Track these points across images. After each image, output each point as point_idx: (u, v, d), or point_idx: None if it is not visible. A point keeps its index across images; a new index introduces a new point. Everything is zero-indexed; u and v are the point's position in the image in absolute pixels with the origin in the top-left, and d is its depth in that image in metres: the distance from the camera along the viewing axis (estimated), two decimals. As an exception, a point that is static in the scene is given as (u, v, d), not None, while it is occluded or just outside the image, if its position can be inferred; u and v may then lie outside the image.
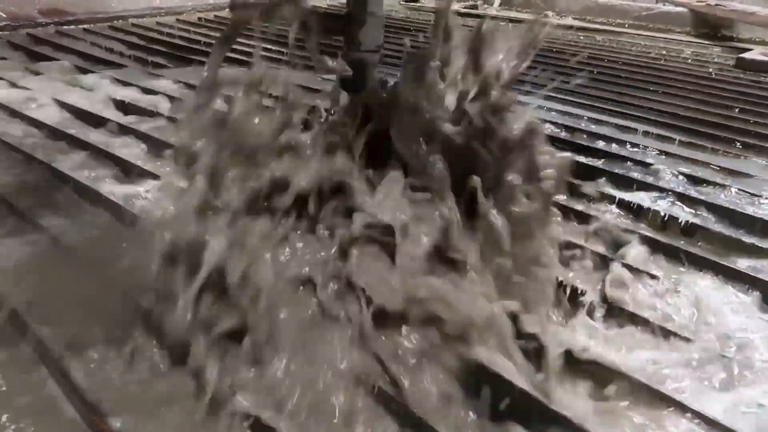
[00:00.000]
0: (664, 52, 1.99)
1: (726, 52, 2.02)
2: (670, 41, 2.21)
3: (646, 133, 1.21)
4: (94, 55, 1.61)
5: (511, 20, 2.52)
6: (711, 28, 2.29)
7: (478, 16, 2.61)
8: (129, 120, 1.13)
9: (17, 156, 0.96)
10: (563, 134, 1.20)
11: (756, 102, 1.44)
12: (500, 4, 2.76)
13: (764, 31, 2.07)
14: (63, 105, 1.19)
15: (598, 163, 1.05)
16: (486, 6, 2.77)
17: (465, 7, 2.75)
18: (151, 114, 1.15)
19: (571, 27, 2.41)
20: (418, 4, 2.83)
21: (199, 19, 2.25)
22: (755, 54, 1.79)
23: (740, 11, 2.04)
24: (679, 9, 2.36)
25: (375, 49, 0.59)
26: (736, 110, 1.38)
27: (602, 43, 2.13)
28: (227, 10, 0.61)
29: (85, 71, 1.46)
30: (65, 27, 1.99)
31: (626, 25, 2.49)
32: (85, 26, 2.01)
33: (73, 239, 0.72)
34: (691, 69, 1.76)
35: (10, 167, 0.93)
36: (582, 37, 2.21)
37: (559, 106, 1.35)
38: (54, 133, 1.06)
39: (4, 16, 1.91)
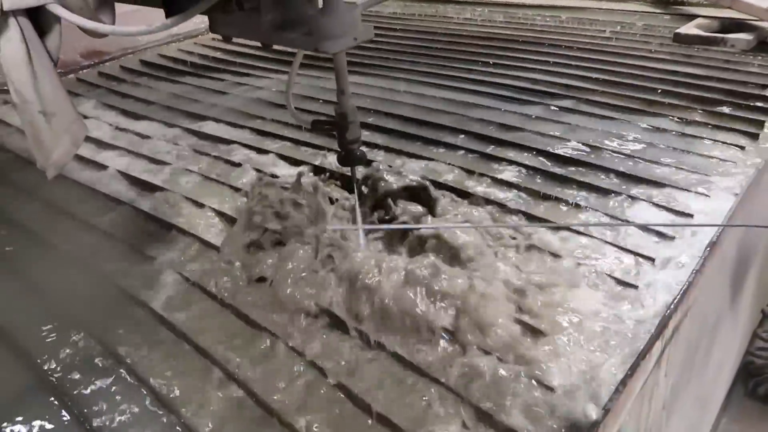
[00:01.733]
0: (618, 28, 2.29)
1: (674, 22, 2.30)
2: (626, 13, 2.49)
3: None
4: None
5: (488, 3, 2.82)
6: (664, -6, 2.56)
7: (457, 1, 2.90)
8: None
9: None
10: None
11: (677, 82, 1.75)
12: (477, -13, 3.02)
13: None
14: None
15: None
16: (464, -10, 3.03)
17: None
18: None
19: (539, 6, 2.69)
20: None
21: (213, 39, 2.58)
22: (690, 28, 2.08)
23: (684, -17, 2.32)
24: (635, -21, 2.62)
25: (355, 139, 0.96)
26: (659, 92, 1.71)
27: (565, 24, 2.42)
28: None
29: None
30: (103, 64, 2.35)
31: (591, -3, 2.76)
32: (121, 63, 2.37)
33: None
34: (635, 47, 2.06)
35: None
36: (548, 19, 2.50)
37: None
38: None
39: (55, 64, 2.27)
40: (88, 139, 1.57)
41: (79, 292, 1.03)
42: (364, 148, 1.02)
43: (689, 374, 1.10)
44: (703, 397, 1.42)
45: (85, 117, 1.78)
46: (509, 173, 1.32)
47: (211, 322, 0.93)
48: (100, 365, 0.86)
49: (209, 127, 1.67)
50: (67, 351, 0.89)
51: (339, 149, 1.00)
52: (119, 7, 0.96)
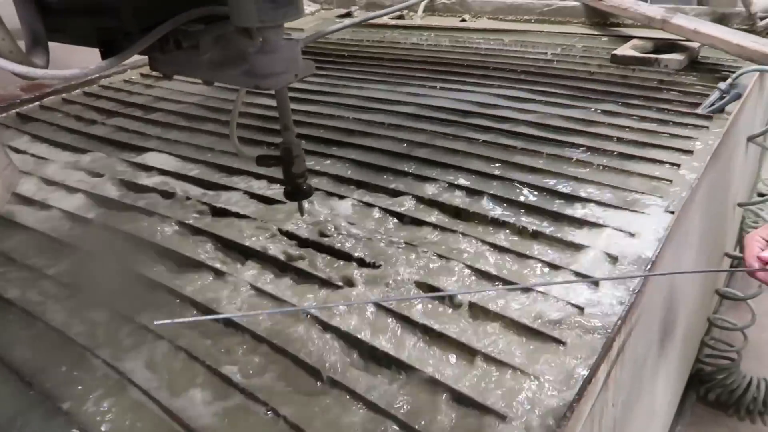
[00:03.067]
0: (559, 50, 2.37)
1: (611, 43, 2.40)
2: (566, 36, 2.58)
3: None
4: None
5: (434, 28, 2.88)
6: (601, 16, 2.67)
7: (405, 26, 2.96)
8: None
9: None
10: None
11: (615, 101, 1.82)
12: (423, 11, 3.09)
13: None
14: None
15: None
16: (412, 15, 3.10)
17: (392, 18, 3.08)
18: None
19: (484, 29, 2.76)
20: (349, 19, 3.14)
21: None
22: (626, 49, 2.17)
23: (616, 5, 2.42)
24: (574, 3, 2.73)
25: (301, 173, 0.97)
26: (598, 111, 1.77)
27: (509, 47, 2.49)
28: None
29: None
30: (46, 98, 2.29)
31: (532, 20, 2.86)
32: (63, 95, 2.31)
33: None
34: (576, 69, 2.14)
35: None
36: (492, 43, 2.56)
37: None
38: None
39: (-8, 99, 2.20)
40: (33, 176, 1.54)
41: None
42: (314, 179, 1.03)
43: (639, 389, 1.12)
44: (655, 410, 1.45)
45: (25, 152, 1.74)
46: (450, 195, 1.34)
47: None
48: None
49: (152, 159, 1.64)
50: None
51: (285, 184, 1.00)
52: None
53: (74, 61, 0.83)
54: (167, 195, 1.43)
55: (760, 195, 2.57)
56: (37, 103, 2.24)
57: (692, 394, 2.13)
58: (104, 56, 0.88)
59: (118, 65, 0.86)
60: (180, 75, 0.96)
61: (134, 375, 0.88)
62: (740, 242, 2.55)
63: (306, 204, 1.11)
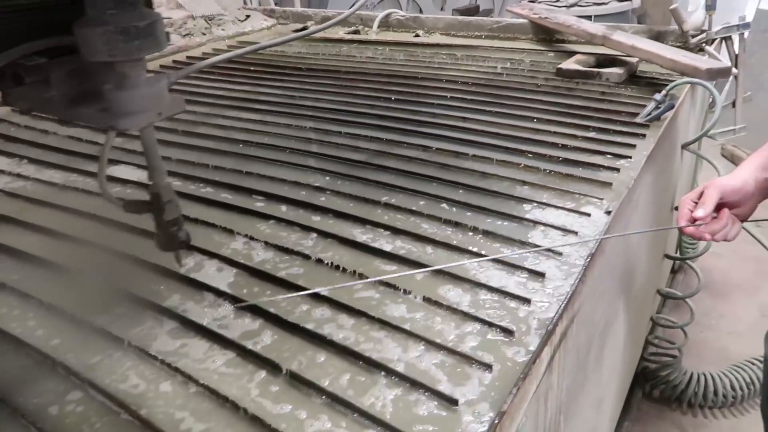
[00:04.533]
0: (508, 65, 2.47)
1: (557, 58, 2.52)
2: (515, 51, 2.70)
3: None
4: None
5: (389, 43, 2.96)
6: (547, 33, 2.80)
7: (360, 41, 3.03)
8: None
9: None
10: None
11: (560, 112, 1.92)
12: (378, 27, 3.17)
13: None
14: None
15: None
16: (367, 30, 3.17)
17: (348, 33, 3.15)
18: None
19: (437, 45, 2.85)
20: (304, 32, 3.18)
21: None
22: (570, 63, 2.29)
23: (561, 23, 2.55)
24: (521, 20, 2.85)
25: (174, 221, 0.90)
26: (534, 120, 1.86)
27: (461, 61, 2.59)
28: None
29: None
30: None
31: (483, 36, 2.97)
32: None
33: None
34: (524, 82, 2.24)
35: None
36: (445, 57, 2.65)
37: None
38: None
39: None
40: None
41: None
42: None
43: (583, 378, 1.19)
44: (601, 402, 1.53)
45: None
46: (409, 202, 1.40)
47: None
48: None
49: (116, 171, 1.64)
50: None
51: (157, 233, 0.91)
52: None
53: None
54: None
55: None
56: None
57: (638, 391, 2.24)
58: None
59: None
60: (35, 111, 0.86)
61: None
62: (679, 245, 2.69)
63: (184, 254, 1.03)
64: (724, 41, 2.51)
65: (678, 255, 2.71)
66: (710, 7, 2.54)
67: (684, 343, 2.12)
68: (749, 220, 1.26)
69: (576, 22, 2.50)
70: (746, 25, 2.42)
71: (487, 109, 1.97)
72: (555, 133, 1.76)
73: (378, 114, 1.98)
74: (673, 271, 3.03)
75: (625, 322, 1.57)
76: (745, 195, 1.24)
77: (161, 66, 2.65)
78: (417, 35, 3.05)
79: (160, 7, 3.20)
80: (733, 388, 2.25)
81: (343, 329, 0.97)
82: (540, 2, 5.09)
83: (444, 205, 1.37)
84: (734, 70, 2.39)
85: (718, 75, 1.94)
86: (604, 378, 1.44)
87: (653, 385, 2.19)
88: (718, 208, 1.21)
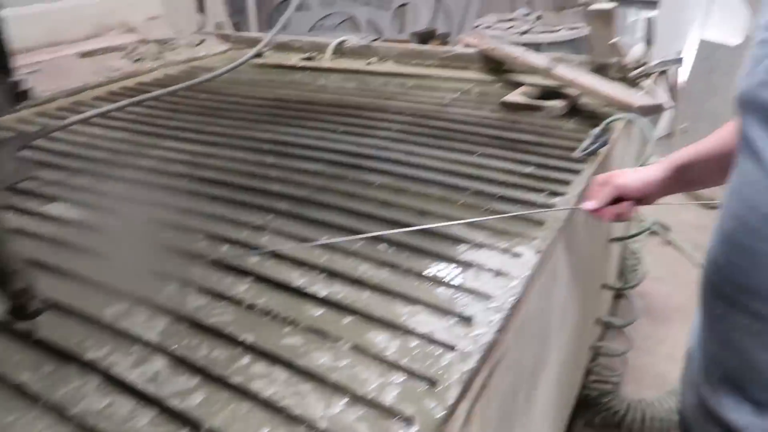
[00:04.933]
0: (457, 95, 2.52)
1: (505, 89, 2.58)
2: (465, 81, 2.75)
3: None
4: None
5: (342, 70, 2.99)
6: (496, 63, 2.87)
7: (313, 68, 3.05)
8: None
9: None
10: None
11: (503, 146, 1.97)
12: (332, 54, 3.20)
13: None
14: None
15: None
16: (321, 57, 3.20)
17: (302, 59, 3.17)
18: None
19: (389, 73, 2.89)
20: (262, 60, 3.19)
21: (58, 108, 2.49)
22: (515, 95, 2.35)
23: (508, 54, 2.62)
24: (471, 50, 2.92)
25: (24, 290, 0.84)
26: (476, 155, 1.90)
27: (411, 90, 2.62)
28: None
29: None
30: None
31: (434, 65, 3.02)
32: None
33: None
34: (470, 113, 2.28)
35: None
36: (396, 86, 2.69)
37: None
38: None
39: None
40: None
41: None
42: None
43: (509, 422, 1.21)
44: (539, 435, 1.56)
45: None
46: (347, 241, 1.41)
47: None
48: None
49: (57, 210, 1.60)
50: None
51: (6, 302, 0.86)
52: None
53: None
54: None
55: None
56: None
57: (580, 420, 2.28)
58: None
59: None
60: None
61: None
62: (621, 274, 2.77)
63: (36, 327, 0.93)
64: (662, 74, 2.62)
65: (615, 285, 2.78)
66: (649, 41, 2.65)
67: (624, 370, 2.17)
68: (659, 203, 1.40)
69: (522, 54, 2.56)
70: (679, 60, 2.52)
71: (432, 142, 2.00)
72: (495, 168, 1.80)
73: (324, 147, 1.99)
74: (618, 296, 3.11)
75: (561, 356, 1.61)
76: (645, 193, 1.36)
77: (110, 92, 2.62)
78: (369, 63, 3.09)
79: (111, 31, 3.16)
80: (674, 412, 2.31)
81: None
82: (494, 28, 5.21)
83: (380, 247, 1.39)
84: (671, 103, 2.49)
85: (650, 111, 2.02)
86: (536, 417, 1.47)
87: (595, 412, 2.24)
88: (617, 200, 1.38)
